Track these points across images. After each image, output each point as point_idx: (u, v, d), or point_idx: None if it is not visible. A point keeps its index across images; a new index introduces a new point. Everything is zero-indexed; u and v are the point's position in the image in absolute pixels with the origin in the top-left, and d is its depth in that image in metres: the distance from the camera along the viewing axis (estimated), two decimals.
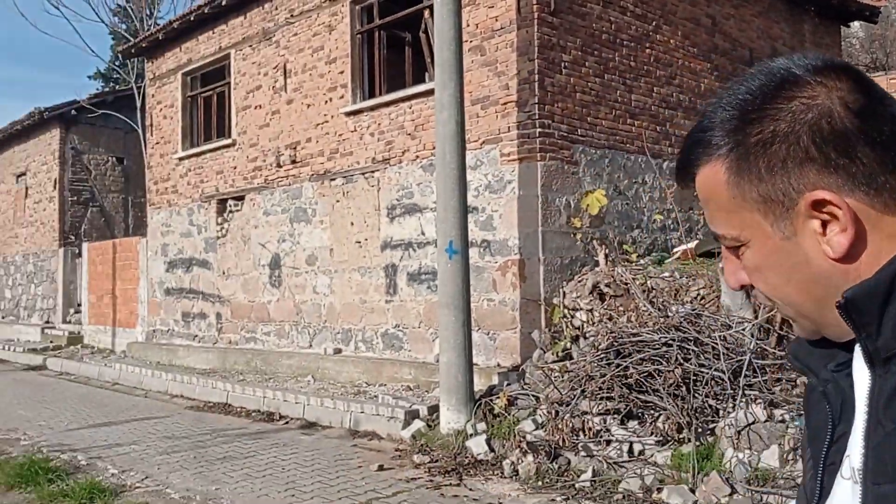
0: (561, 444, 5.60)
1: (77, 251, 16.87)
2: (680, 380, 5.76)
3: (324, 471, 6.09)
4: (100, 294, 15.24)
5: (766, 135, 0.78)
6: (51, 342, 15.56)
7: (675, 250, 8.59)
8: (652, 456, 5.50)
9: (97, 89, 26.57)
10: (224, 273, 11.85)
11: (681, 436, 5.70)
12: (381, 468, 6.08)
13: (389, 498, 5.32)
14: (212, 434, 7.59)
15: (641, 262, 7.76)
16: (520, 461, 5.57)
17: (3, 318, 19.52)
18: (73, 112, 17.52)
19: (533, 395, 6.67)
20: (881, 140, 0.75)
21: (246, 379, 9.82)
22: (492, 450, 6.01)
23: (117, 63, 24.51)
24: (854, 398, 0.78)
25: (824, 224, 0.76)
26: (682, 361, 5.85)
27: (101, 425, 8.16)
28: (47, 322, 17.45)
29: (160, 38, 13.41)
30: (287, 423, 8.04)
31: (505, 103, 7.97)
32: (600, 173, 8.53)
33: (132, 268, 14.27)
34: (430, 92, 7.81)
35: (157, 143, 13.79)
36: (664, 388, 5.75)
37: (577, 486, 5.24)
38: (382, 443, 7.00)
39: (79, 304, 16.55)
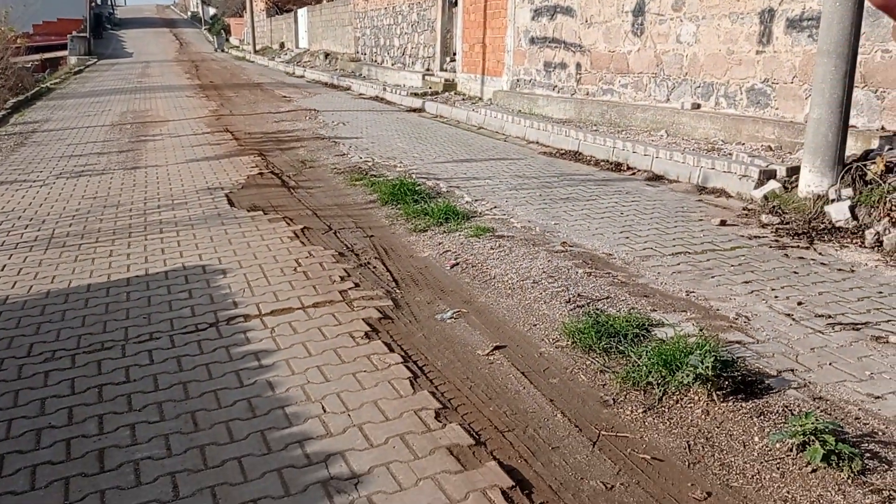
0: None
1: (454, 0, 17.65)
2: None
3: (662, 220, 6.02)
4: (472, 43, 15.99)
5: None
6: (429, 88, 17.00)
7: None
8: None
9: None
10: (587, 21, 11.57)
11: None
12: (723, 223, 5.83)
13: (727, 251, 5.11)
14: (559, 177, 7.86)
15: None
16: (887, 231, 4.90)
17: (392, 64, 21.68)
18: None
19: None
20: None
21: (598, 130, 9.83)
22: (854, 218, 5.36)
23: None
24: None
25: None
26: None
27: (462, 161, 8.90)
28: (427, 69, 18.98)
29: None
30: (634, 173, 7.99)
31: None
32: None
33: (501, 16, 14.60)
34: None
35: None
36: None
37: None
38: (730, 201, 6.65)
39: (454, 53, 17.61)
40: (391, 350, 3.66)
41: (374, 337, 3.82)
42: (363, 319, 4.05)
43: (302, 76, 25.28)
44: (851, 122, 6.24)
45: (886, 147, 6.18)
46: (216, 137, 11.12)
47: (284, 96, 17.68)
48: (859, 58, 6.09)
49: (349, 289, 4.54)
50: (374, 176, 7.84)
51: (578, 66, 11.85)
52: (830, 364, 3.39)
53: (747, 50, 8.37)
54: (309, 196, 7.14)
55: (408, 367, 3.47)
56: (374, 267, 4.98)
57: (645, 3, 10.10)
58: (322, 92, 19.10)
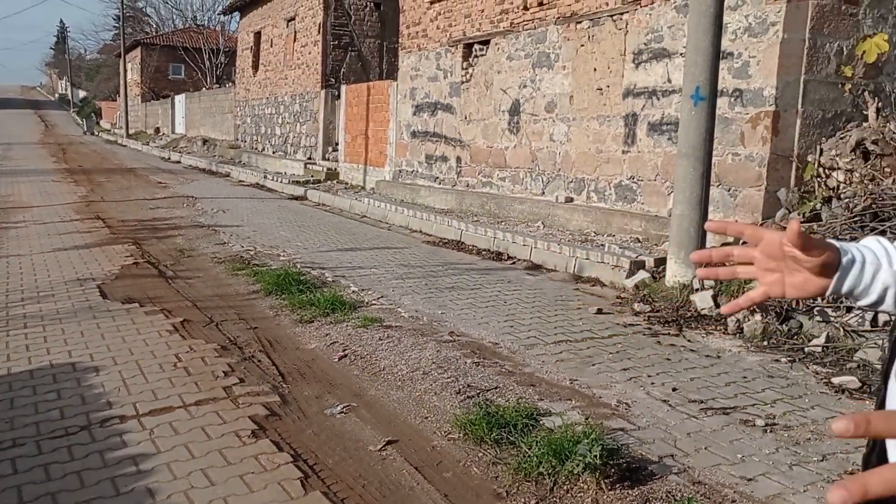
0: (794, 306, 5.21)
1: (336, 93, 18.04)
2: None
3: (543, 308, 6.24)
4: (354, 134, 16.31)
5: None
6: (311, 176, 17.10)
7: None
8: None
9: None
10: (466, 118, 12.09)
11: None
12: (599, 312, 6.10)
13: (605, 339, 5.35)
14: (443, 266, 8.03)
15: None
16: (746, 319, 5.29)
17: (273, 152, 21.70)
18: None
19: None
20: None
21: (479, 220, 10.16)
22: (717, 305, 5.75)
23: None
24: None
25: None
26: None
27: (347, 250, 8.94)
28: (309, 158, 19.13)
29: None
30: (514, 263, 8.27)
31: None
32: (885, 15, 7.33)
33: (383, 110, 15.03)
34: None
35: None
36: None
37: (805, 349, 4.90)
38: (604, 289, 6.99)
39: (336, 143, 17.88)
40: (280, 449, 3.56)
41: (261, 435, 3.71)
42: (249, 417, 3.93)
43: (178, 162, 24.81)
44: (710, 216, 6.76)
45: (741, 241, 6.71)
46: (86, 225, 10.67)
47: (160, 182, 17.27)
48: (714, 160, 6.67)
49: (233, 385, 4.41)
50: (257, 265, 7.73)
51: (459, 159, 12.29)
52: (706, 448, 3.57)
53: (615, 149, 8.98)
54: (188, 287, 6.94)
55: (298, 467, 3.37)
56: (259, 360, 4.86)
57: (520, 104, 10.69)
58: (200, 178, 18.80)
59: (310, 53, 19.45)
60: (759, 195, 7.17)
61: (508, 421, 3.69)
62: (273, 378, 4.54)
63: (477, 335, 5.39)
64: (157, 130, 38.27)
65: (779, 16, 7.01)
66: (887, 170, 5.85)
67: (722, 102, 7.13)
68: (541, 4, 10.24)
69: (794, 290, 1.09)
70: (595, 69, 9.31)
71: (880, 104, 6.58)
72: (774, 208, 7.04)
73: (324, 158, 18.36)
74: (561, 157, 9.93)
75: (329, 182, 16.49)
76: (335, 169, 17.13)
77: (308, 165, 17.99)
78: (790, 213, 6.61)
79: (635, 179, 8.72)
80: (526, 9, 10.56)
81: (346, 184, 16.18)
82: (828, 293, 1.07)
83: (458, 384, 4.31)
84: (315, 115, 19.03)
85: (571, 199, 9.67)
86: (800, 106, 7.06)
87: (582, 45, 9.51)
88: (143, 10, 52.41)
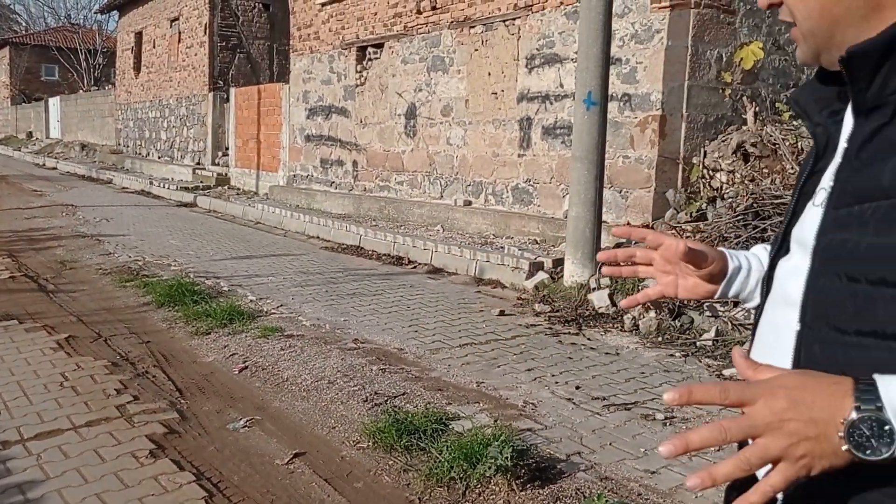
0: (686, 302, 5.43)
1: (225, 96, 17.55)
2: None
3: (447, 311, 6.25)
4: (245, 138, 15.90)
5: None
6: (201, 182, 16.55)
7: None
8: None
9: None
10: (361, 121, 12.00)
11: None
12: (501, 313, 6.17)
13: (508, 340, 5.41)
14: (343, 272, 7.93)
15: (795, 123, 7.15)
16: (641, 316, 5.48)
17: (158, 157, 20.88)
18: None
19: None
20: None
21: (378, 225, 10.10)
22: (613, 304, 5.93)
23: None
24: (839, 141, 0.92)
25: None
26: None
27: (242, 258, 8.69)
28: (198, 163, 18.51)
29: None
30: (415, 267, 8.27)
31: None
32: (759, 24, 7.78)
33: (275, 114, 14.72)
34: None
35: None
36: None
37: (698, 344, 5.12)
38: (505, 291, 7.08)
39: (226, 148, 17.39)
40: (181, 468, 3.40)
41: (160, 455, 3.53)
42: (146, 436, 3.74)
43: (55, 168, 23.51)
44: (604, 218, 6.97)
45: (633, 241, 6.95)
46: None
47: (35, 190, 16.29)
48: (606, 162, 6.88)
49: (127, 403, 4.19)
50: (147, 276, 7.39)
51: (355, 163, 12.19)
52: (610, 444, 3.66)
53: (511, 153, 9.13)
54: (72, 301, 6.56)
55: (202, 486, 3.23)
56: (154, 376, 4.64)
57: (416, 108, 10.70)
58: (80, 185, 17.87)
59: (196, 55, 18.83)
60: (648, 196, 7.45)
61: (418, 427, 3.67)
62: (170, 394, 4.35)
63: (381, 341, 5.35)
64: (30, 135, 36.11)
65: (663, 24, 7.31)
66: (765, 171, 6.20)
67: (612, 107, 7.36)
68: (434, 9, 10.30)
69: (685, 292, 1.21)
70: (490, 73, 9.43)
71: (757, 108, 6.97)
72: (664, 209, 7.33)
73: (213, 163, 17.82)
74: (458, 161, 10.01)
75: (220, 188, 16.01)
76: (226, 174, 16.65)
77: (197, 171, 17.41)
78: (678, 212, 6.90)
79: (531, 182, 8.89)
80: (419, 13, 10.58)
81: (238, 189, 15.76)
82: (716, 297, 1.21)
83: (364, 392, 4.25)
84: (203, 118, 18.44)
85: (470, 203, 9.76)
86: (684, 110, 7.39)
87: (476, 50, 9.62)
88: (11, 6, 49.44)
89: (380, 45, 11.53)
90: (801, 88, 1.02)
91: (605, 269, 1.29)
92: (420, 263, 8.33)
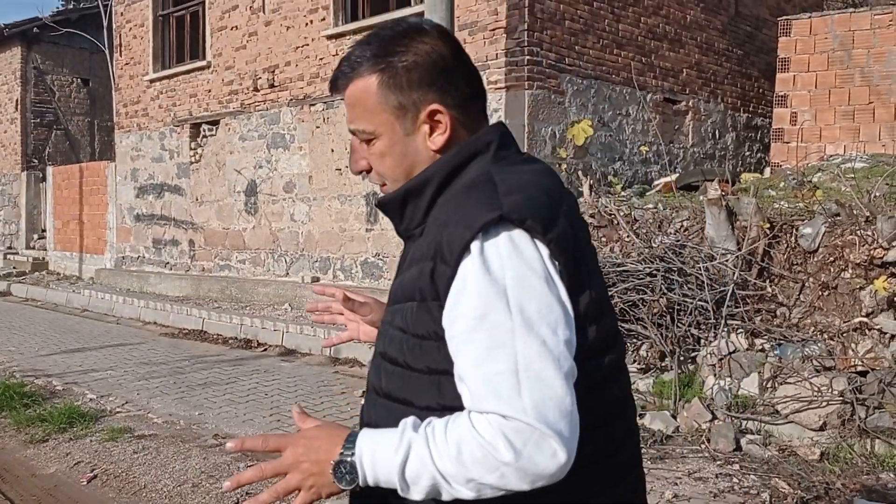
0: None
1: (41, 175, 16.40)
2: (664, 309, 5.79)
3: (307, 396, 6.08)
4: (66, 220, 14.88)
5: (409, 62, 1.17)
6: (14, 268, 15.23)
7: (656, 183, 8.57)
8: (635, 383, 5.56)
9: (60, 6, 25.41)
10: (197, 199, 11.61)
11: (663, 364, 5.78)
12: (364, 394, 6.08)
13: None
14: (190, 360, 7.52)
15: (624, 193, 7.73)
16: None
17: None
18: (34, 30, 16.72)
19: None
20: (467, 77, 1.22)
21: (221, 306, 9.71)
22: None
23: None
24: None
25: (432, 127, 1.19)
26: (665, 291, 5.87)
27: (74, 351, 8.04)
28: (10, 248, 17.05)
29: None
30: (266, 350, 8.00)
31: (493, 29, 7.76)
32: (586, 104, 8.42)
33: (100, 193, 13.92)
34: (418, 16, 7.55)
35: (127, 64, 13.28)
36: (648, 318, 5.78)
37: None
38: (363, 369, 6.99)
39: (43, 230, 16.17)
40: None
41: None
42: None
43: None
44: None
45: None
46: None
47: None
48: None
49: None
50: None
51: (192, 242, 11.73)
52: None
53: (358, 228, 9.17)
54: None
55: None
56: None
57: (257, 185, 10.53)
58: None
59: (6, 132, 17.52)
60: None
61: None
62: None
63: (243, 434, 5.09)
64: None
65: (500, 103, 7.72)
66: (604, 239, 6.62)
67: None
68: (272, 86, 10.27)
69: (365, 336, 1.55)
70: (332, 150, 9.48)
71: (591, 182, 7.47)
72: None
73: (28, 247, 16.48)
74: (304, 237, 9.90)
75: (37, 273, 14.80)
76: (44, 258, 15.44)
77: (9, 256, 16.03)
78: None
79: (381, 256, 8.95)
80: (257, 90, 10.51)
81: (59, 274, 14.64)
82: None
83: (235, 494, 4.01)
84: (15, 199, 17.08)
85: (318, 279, 9.64)
86: None
87: (318, 127, 9.66)
88: None
89: (215, 122, 11.30)
90: (388, 198, 1.30)
91: (313, 318, 1.62)
92: (271, 345, 8.08)
